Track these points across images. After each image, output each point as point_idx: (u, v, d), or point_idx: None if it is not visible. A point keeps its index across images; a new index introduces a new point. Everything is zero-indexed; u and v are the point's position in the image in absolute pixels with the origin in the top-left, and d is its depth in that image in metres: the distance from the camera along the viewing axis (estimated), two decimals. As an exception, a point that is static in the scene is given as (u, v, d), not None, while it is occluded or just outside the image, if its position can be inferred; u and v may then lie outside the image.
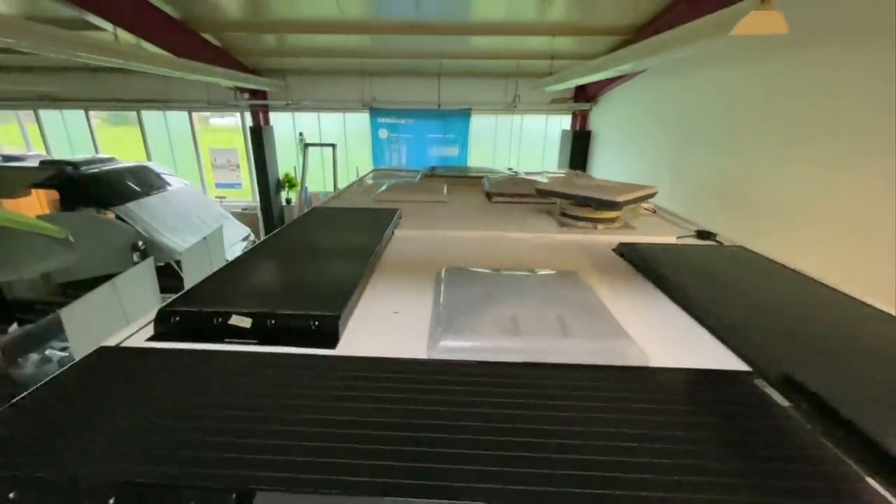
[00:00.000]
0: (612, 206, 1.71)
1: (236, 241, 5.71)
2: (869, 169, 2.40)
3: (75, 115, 7.88)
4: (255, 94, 7.39)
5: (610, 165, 6.56)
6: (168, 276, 4.05)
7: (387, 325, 0.97)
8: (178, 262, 4.14)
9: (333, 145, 7.62)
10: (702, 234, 1.70)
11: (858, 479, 0.54)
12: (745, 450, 0.57)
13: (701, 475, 0.53)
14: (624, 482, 0.51)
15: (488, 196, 2.47)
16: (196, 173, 8.29)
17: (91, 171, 4.94)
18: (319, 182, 8.27)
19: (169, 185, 5.69)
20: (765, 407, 0.67)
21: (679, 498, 0.49)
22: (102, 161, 5.42)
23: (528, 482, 0.51)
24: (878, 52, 2.33)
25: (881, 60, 2.32)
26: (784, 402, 0.68)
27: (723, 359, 0.85)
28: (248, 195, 8.61)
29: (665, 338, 0.93)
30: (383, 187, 2.60)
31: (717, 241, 1.64)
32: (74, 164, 4.94)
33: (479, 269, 1.20)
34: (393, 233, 1.70)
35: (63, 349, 2.97)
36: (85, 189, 4.66)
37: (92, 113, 7.91)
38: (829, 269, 2.48)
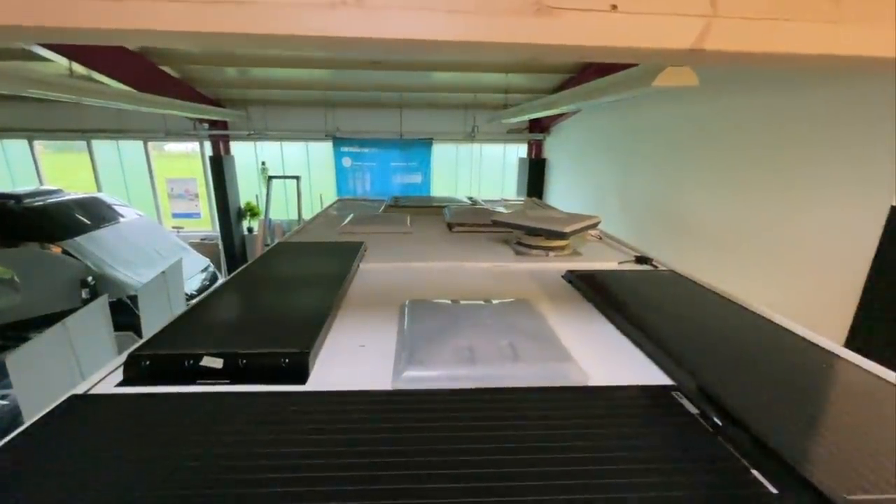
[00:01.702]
0: (561, 235, 1.85)
1: (195, 273, 5.49)
2: (776, 194, 2.72)
3: (17, 144, 7.41)
4: (215, 123, 7.27)
5: (565, 191, 6.93)
6: (122, 312, 3.84)
7: (354, 358, 1.00)
8: (133, 298, 3.95)
9: (297, 178, 7.56)
10: (640, 260, 1.86)
11: (745, 471, 0.63)
12: (660, 452, 0.66)
13: (630, 477, 0.61)
14: (573, 488, 0.58)
15: (449, 226, 2.56)
16: (151, 203, 7.95)
17: (35, 203, 4.66)
18: (282, 210, 8.16)
19: (122, 216, 5.43)
20: (679, 415, 0.78)
21: (613, 498, 0.57)
22: (48, 193, 5.12)
23: (494, 496, 0.56)
24: (772, 97, 2.69)
25: (773, 104, 2.68)
26: (694, 410, 0.79)
27: (650, 374, 0.95)
28: (207, 225, 8.33)
29: (604, 358, 1.02)
30: (347, 219, 2.63)
31: (653, 266, 1.80)
32: (17, 198, 4.64)
33: (440, 301, 1.26)
34: (358, 266, 1.73)
35: (2, 397, 2.73)
36: (28, 223, 4.38)
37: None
38: (752, 286, 2.75)
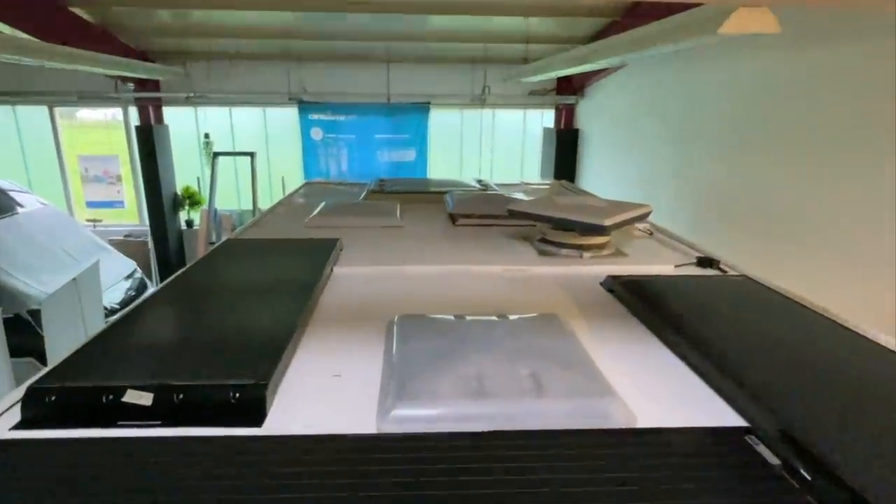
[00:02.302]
0: (599, 230, 1.86)
1: (118, 280, 5.53)
2: None
3: None
4: (143, 83, 7.32)
5: (603, 172, 6.96)
6: (20, 332, 3.87)
7: (326, 392, 1.01)
8: (35, 313, 3.97)
9: (251, 154, 7.61)
10: (703, 262, 1.87)
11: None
12: None
13: None
14: None
15: (452, 218, 2.60)
16: (59, 189, 8.01)
17: None
18: (232, 197, 8.22)
19: (20, 205, 5.48)
20: (754, 467, 0.78)
21: None
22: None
23: None
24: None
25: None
26: (775, 460, 0.80)
27: (717, 413, 0.96)
28: (133, 216, 8.39)
29: (655, 391, 1.04)
30: (318, 209, 2.66)
31: (721, 270, 1.82)
32: None
33: (440, 316, 1.28)
34: (332, 270, 1.76)
35: None
36: None
37: None
38: (857, 303, 2.72)
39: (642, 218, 2.08)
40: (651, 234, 2.38)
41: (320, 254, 1.82)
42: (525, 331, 1.20)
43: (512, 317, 1.29)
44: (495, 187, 3.48)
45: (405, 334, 1.18)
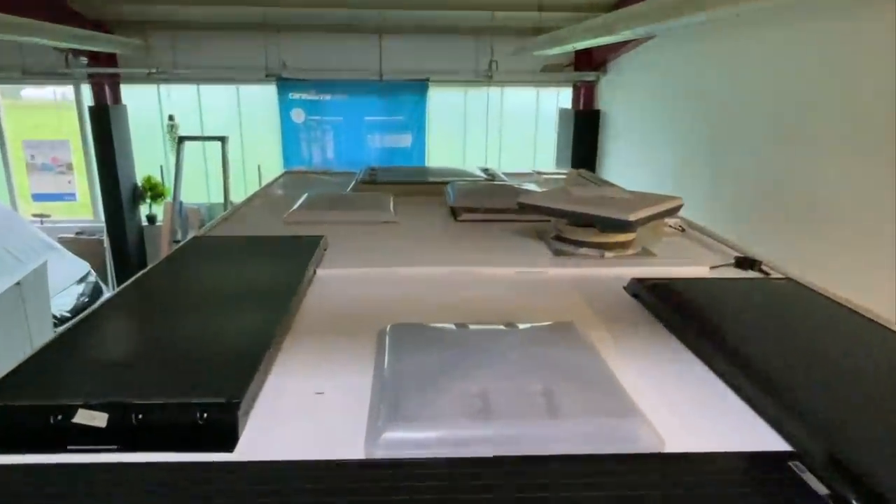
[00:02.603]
0: (623, 225, 1.88)
1: (69, 284, 5.54)
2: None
3: None
4: (98, 57, 7.34)
5: (628, 160, 6.97)
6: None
7: (307, 412, 1.01)
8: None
9: (222, 139, 7.64)
10: (742, 263, 1.88)
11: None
12: None
13: None
14: None
15: (454, 213, 2.61)
16: (1, 179, 8.03)
17: None
18: (200, 188, 8.23)
19: (-45, 198, 5.47)
20: (800, 497, 0.78)
21: None
22: None
23: None
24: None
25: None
26: (823, 490, 0.79)
27: (757, 436, 0.96)
28: (86, 211, 8.41)
29: (686, 411, 1.04)
30: (299, 202, 2.67)
31: (762, 272, 1.82)
32: None
33: (439, 326, 1.28)
34: (315, 272, 1.77)
35: None
36: None
37: None
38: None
39: (673, 212, 2.09)
40: (683, 230, 2.39)
41: (301, 253, 1.82)
42: (537, 342, 1.20)
43: (522, 326, 1.29)
44: (504, 177, 3.48)
45: (399, 346, 1.18)
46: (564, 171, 4.16)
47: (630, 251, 2.00)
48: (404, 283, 1.71)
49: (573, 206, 2.01)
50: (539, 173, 3.95)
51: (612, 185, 3.12)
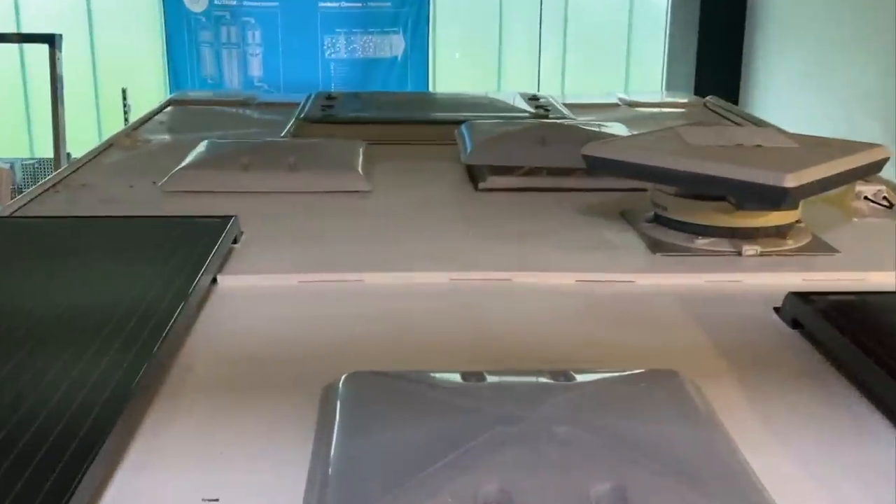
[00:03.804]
0: (776, 197, 1.37)
1: None
2: None
3: None
4: None
5: (795, 84, 5.06)
6: None
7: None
8: None
9: (51, 39, 4.87)
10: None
11: None
12: None
13: None
14: None
15: (473, 175, 1.97)
16: None
17: None
18: (14, 135, 5.64)
19: None
20: None
21: None
22: None
23: None
24: None
25: None
26: None
27: None
28: None
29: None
30: (192, 155, 2.01)
31: None
32: None
33: (432, 376, 0.97)
34: (214, 281, 1.32)
35: None
36: None
37: None
38: None
39: (870, 172, 1.56)
40: (890, 205, 1.80)
41: (190, 248, 1.36)
42: (611, 406, 0.88)
43: (583, 377, 0.93)
44: (565, 111, 2.63)
45: (358, 412, 0.87)
46: (681, 101, 3.28)
47: (789, 243, 1.49)
48: (376, 301, 1.26)
49: (689, 162, 1.48)
50: (633, 104, 3.01)
51: (762, 124, 2.43)
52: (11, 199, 2.79)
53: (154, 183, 1.83)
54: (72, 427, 0.80)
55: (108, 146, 2.25)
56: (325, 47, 5.26)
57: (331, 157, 1.99)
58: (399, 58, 5.31)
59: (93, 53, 5.34)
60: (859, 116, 4.15)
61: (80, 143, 4.40)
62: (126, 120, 3.71)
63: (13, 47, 5.03)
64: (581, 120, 2.46)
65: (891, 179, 1.78)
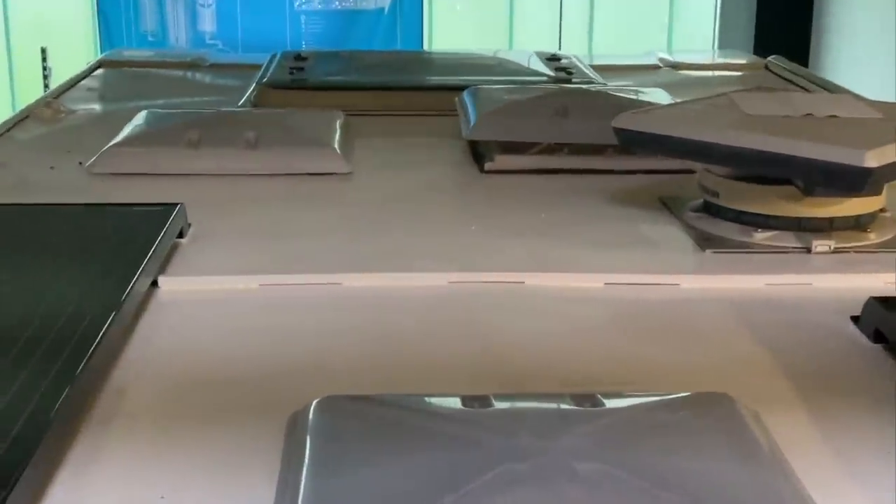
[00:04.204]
0: (855, 179, 1.26)
1: None
2: None
3: None
4: None
5: (877, 44, 4.38)
6: None
7: None
8: None
9: None
10: None
11: None
12: None
13: None
14: None
15: (477, 153, 1.81)
16: None
17: None
18: None
19: None
20: None
21: None
22: None
23: None
24: None
25: None
26: None
27: None
28: None
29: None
30: (129, 127, 1.84)
31: None
32: None
33: (425, 400, 0.90)
34: (154, 284, 1.21)
35: None
36: None
37: None
38: None
39: None
40: None
41: (124, 242, 1.27)
42: (649, 438, 0.79)
43: (614, 402, 0.85)
44: (592, 73, 2.37)
45: (331, 446, 0.78)
46: (736, 61, 2.92)
47: (871, 237, 1.36)
48: (356, 309, 1.15)
49: (747, 135, 1.35)
50: (674, 66, 2.70)
51: (837, 90, 2.17)
52: None
53: (80, 163, 1.66)
54: None
55: (24, 118, 2.03)
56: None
57: (300, 132, 1.80)
58: (386, 8, 4.53)
59: (4, 5, 4.65)
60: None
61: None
62: (46, 86, 3.37)
63: None
64: (612, 85, 2.20)
65: None
